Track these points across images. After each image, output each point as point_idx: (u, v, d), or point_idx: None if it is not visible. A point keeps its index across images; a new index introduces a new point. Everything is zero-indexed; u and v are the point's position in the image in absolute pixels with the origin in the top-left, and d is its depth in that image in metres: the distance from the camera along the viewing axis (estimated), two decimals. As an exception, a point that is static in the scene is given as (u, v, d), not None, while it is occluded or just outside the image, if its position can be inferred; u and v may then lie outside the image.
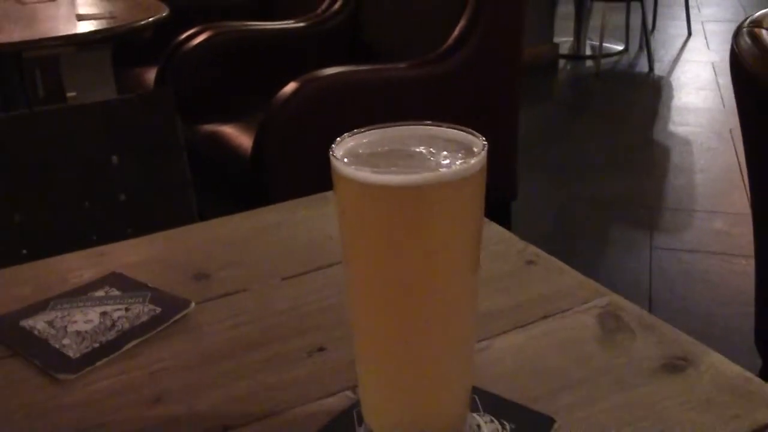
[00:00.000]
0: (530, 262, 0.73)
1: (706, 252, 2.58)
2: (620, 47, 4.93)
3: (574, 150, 3.50)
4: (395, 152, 0.45)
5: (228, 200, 2.17)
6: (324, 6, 2.76)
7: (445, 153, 0.44)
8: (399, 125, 0.47)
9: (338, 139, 0.46)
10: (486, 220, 0.81)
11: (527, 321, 0.64)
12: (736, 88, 1.83)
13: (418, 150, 0.45)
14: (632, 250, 2.61)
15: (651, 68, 4.55)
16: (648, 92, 4.32)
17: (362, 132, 0.47)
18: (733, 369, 0.57)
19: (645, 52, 4.71)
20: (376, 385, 0.49)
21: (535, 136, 3.69)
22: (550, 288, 0.69)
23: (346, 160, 0.44)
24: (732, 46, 1.83)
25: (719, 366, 0.57)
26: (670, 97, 4.20)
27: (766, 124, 1.75)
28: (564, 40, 4.95)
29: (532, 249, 0.75)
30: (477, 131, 0.45)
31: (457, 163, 0.43)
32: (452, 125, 0.46)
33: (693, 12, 5.53)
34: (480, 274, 0.48)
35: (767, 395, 0.54)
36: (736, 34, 1.84)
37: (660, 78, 4.48)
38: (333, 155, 0.44)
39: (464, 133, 0.45)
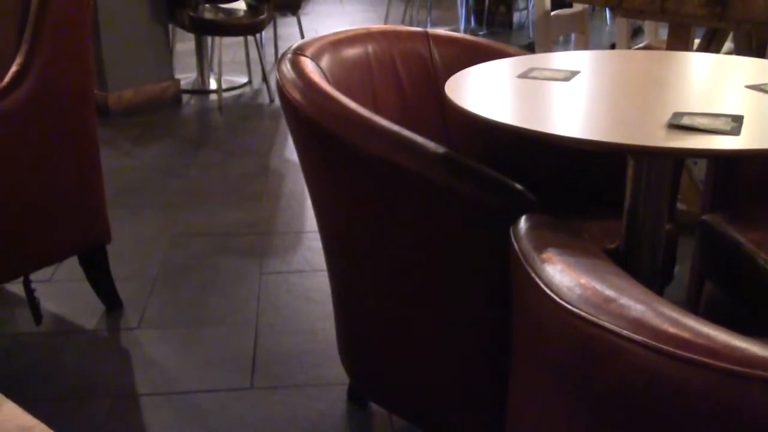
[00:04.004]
0: None
1: (311, 271, 2.69)
2: (244, 80, 5.05)
3: (192, 184, 3.47)
4: None
5: None
6: None
7: None
8: None
9: None
10: None
11: None
12: (283, 110, 1.91)
13: None
14: (243, 277, 2.63)
15: (272, 99, 4.72)
16: (268, 122, 4.47)
17: None
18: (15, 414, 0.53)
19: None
20: None
21: (154, 173, 3.60)
22: None
23: None
24: (276, 71, 1.91)
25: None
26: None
27: (304, 142, 1.85)
28: (188, 76, 4.94)
29: None
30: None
31: None
32: None
33: (314, 45, 5.88)
34: None
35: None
36: (281, 60, 1.94)
37: (279, 108, 4.68)
38: None
39: None
